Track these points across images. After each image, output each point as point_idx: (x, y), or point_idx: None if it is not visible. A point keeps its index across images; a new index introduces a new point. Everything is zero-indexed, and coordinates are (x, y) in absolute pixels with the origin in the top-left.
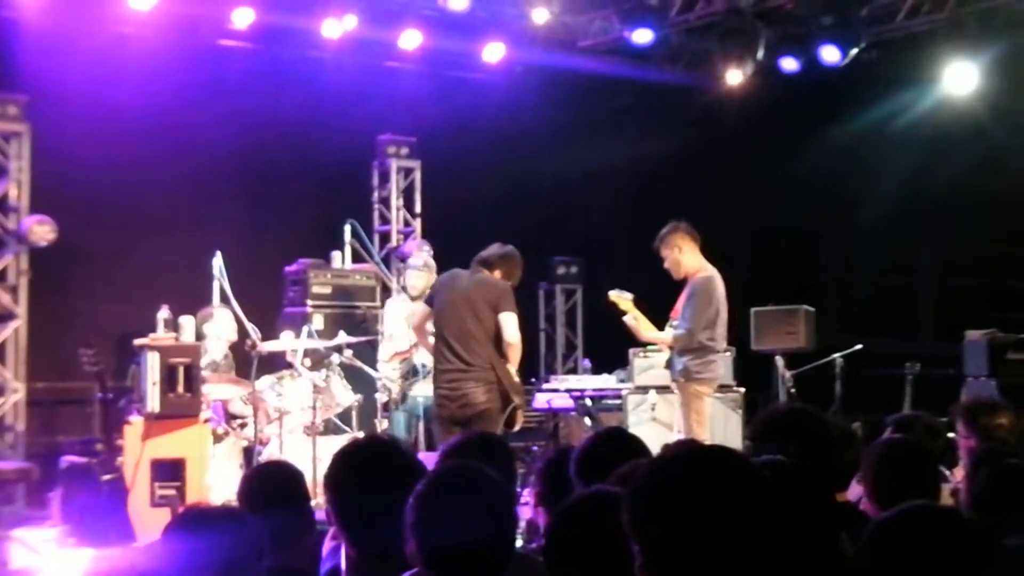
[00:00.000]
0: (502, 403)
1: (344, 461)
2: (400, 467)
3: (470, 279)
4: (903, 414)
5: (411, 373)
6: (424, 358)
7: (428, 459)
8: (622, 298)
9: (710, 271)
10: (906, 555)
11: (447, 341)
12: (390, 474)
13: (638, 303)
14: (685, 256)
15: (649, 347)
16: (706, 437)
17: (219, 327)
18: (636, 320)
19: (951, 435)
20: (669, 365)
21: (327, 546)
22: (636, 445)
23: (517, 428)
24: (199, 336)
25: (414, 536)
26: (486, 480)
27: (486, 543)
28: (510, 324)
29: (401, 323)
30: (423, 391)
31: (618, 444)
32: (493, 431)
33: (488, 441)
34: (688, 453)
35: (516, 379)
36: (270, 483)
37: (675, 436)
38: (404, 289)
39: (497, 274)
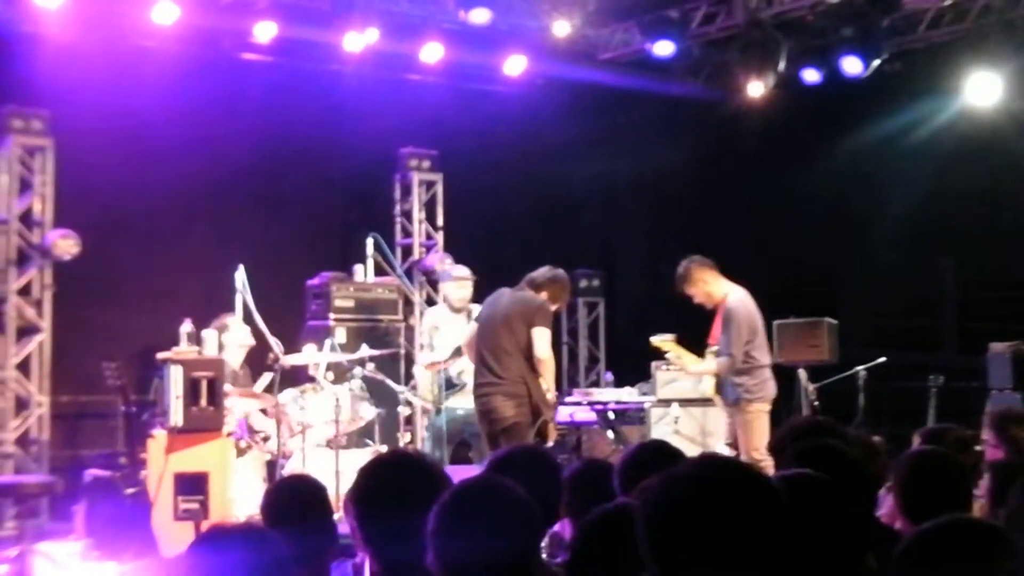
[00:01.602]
0: (532, 417)
1: (369, 477)
2: (426, 482)
3: (511, 296)
4: (933, 426)
5: (448, 384)
6: (460, 368)
7: (454, 473)
8: (664, 342)
9: (736, 292)
10: (944, 569)
11: (483, 356)
12: (416, 489)
13: (662, 316)
14: (711, 287)
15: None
16: None
17: (235, 336)
18: (680, 358)
19: (978, 448)
20: (720, 391)
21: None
22: (678, 457)
23: (551, 443)
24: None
25: (433, 547)
26: (508, 494)
27: (505, 557)
28: (541, 339)
29: (442, 334)
30: (462, 403)
31: (660, 456)
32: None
33: (533, 455)
34: (702, 468)
35: (548, 394)
36: (293, 497)
37: (703, 450)
38: (445, 299)
39: (544, 295)
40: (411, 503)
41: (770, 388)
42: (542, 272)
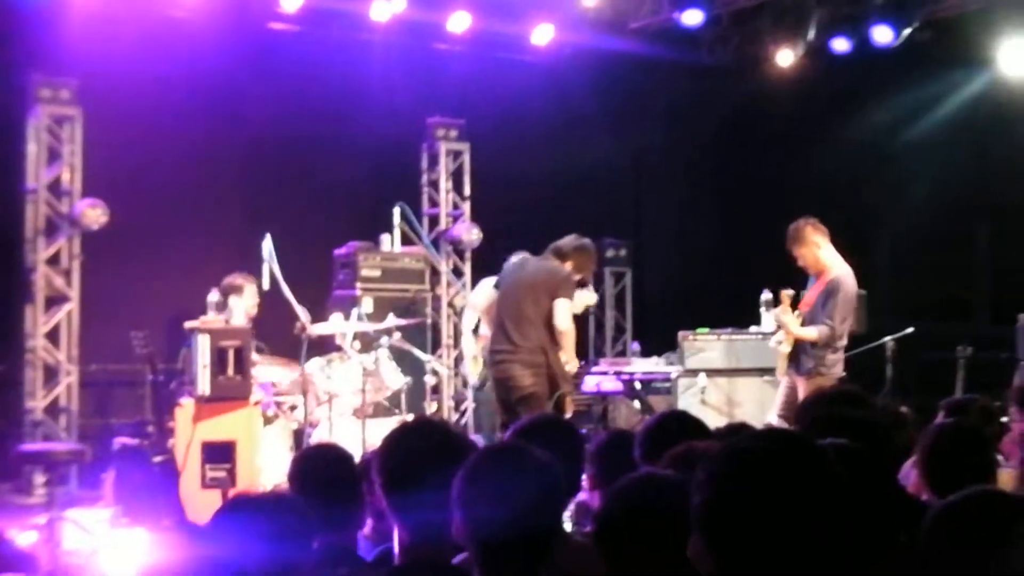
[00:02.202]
0: (549, 388)
1: (394, 445)
2: (451, 449)
3: (536, 264)
4: (957, 397)
5: None
6: None
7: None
8: (786, 312)
9: (844, 266)
10: (971, 541)
11: (503, 323)
12: (441, 456)
13: (689, 286)
14: (822, 251)
15: (700, 330)
16: None
17: (246, 301)
18: (785, 314)
19: (1005, 419)
20: (794, 360)
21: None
22: (700, 428)
23: (568, 415)
24: (223, 304)
25: (459, 511)
26: (533, 459)
27: (530, 520)
28: (562, 310)
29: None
30: None
31: (682, 426)
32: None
33: (556, 424)
34: (769, 440)
35: (568, 366)
36: (320, 465)
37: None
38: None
39: (569, 264)
40: (437, 470)
41: (840, 368)
42: (568, 241)
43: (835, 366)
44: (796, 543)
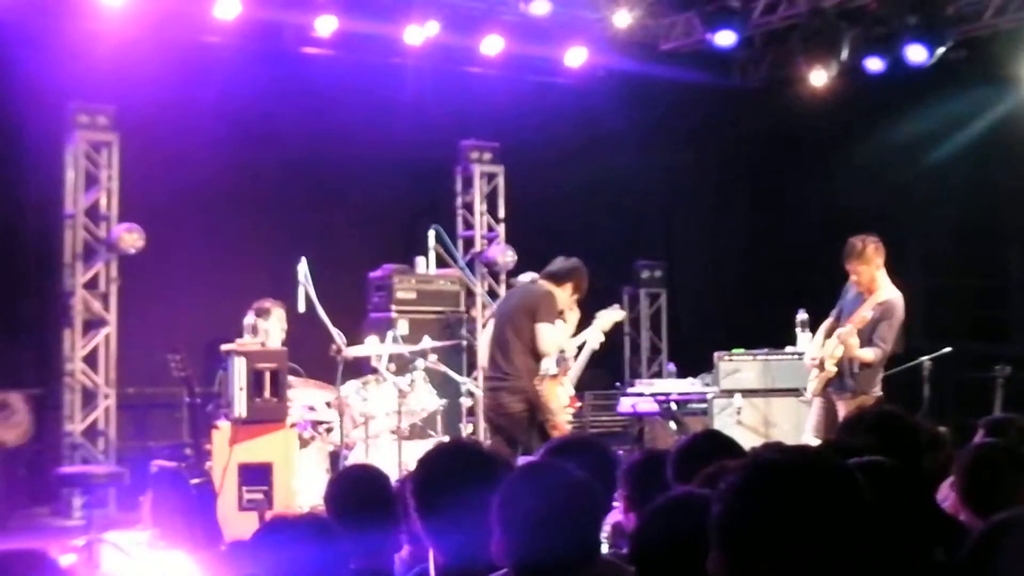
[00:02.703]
0: (532, 414)
1: (428, 467)
2: (485, 470)
3: (520, 290)
4: (995, 416)
5: None
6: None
7: None
8: (852, 334)
9: (898, 291)
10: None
11: (493, 351)
12: (475, 478)
13: (724, 307)
14: (879, 272)
15: (735, 351)
16: None
17: (272, 326)
18: (852, 336)
19: None
20: (839, 378)
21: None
22: (733, 447)
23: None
24: (251, 326)
25: (498, 530)
26: (571, 477)
27: (569, 541)
28: (542, 334)
29: None
30: None
31: (715, 445)
32: (525, 440)
33: (587, 443)
34: (789, 455)
35: (550, 396)
36: (356, 487)
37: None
38: None
39: (568, 287)
40: (471, 491)
41: (879, 388)
42: (560, 264)
43: (876, 386)
44: (815, 559)
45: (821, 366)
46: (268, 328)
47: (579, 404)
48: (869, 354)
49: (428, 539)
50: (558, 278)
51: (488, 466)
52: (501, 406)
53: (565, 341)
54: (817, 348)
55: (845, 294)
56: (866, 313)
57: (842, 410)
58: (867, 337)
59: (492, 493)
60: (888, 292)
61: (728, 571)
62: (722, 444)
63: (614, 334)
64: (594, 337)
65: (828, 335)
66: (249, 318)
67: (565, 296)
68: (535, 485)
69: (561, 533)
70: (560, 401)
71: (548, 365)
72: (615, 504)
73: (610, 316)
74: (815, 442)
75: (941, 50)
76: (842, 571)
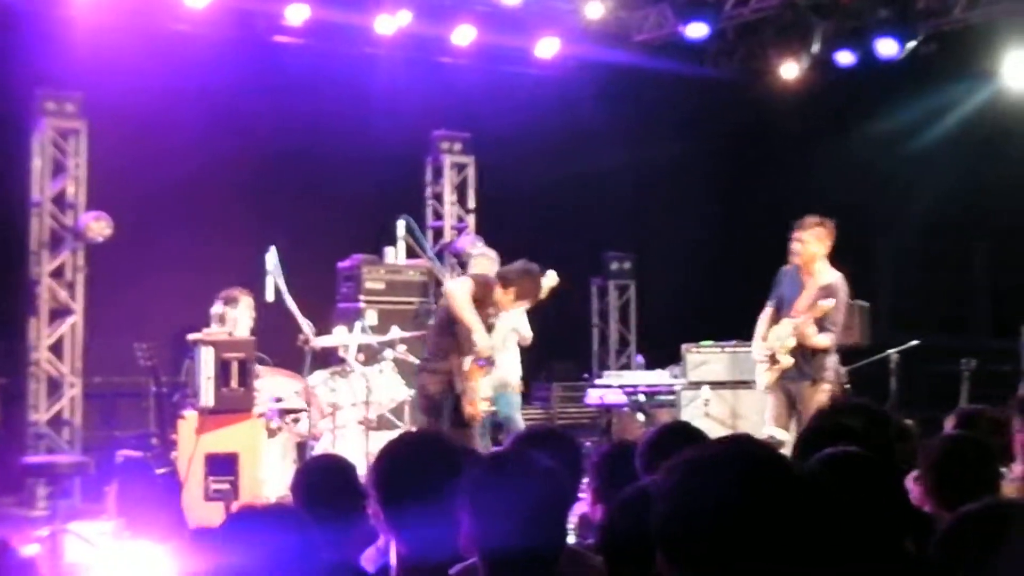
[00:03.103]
0: (448, 391)
1: (389, 459)
2: (446, 461)
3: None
4: (966, 408)
5: None
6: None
7: None
8: (808, 323)
9: (839, 273)
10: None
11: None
12: (437, 469)
13: (693, 299)
14: (822, 253)
15: (703, 343)
16: None
17: (240, 312)
18: (806, 328)
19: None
20: (795, 368)
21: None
22: (701, 438)
23: (474, 422)
24: (219, 316)
25: (468, 519)
26: (540, 467)
27: (539, 530)
28: (453, 291)
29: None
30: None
31: (684, 437)
32: (441, 423)
33: (553, 434)
34: (712, 453)
35: (479, 343)
36: (323, 477)
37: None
38: None
39: (512, 291)
40: (433, 483)
41: (835, 373)
42: (514, 267)
43: (832, 370)
44: (755, 552)
45: (773, 359)
46: (236, 317)
47: (494, 409)
48: (825, 340)
49: (390, 530)
50: (505, 280)
51: (450, 456)
52: (421, 387)
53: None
54: (762, 341)
55: (779, 283)
56: (824, 302)
57: (806, 397)
58: (817, 323)
59: (454, 483)
60: (830, 275)
61: (672, 572)
62: (691, 435)
63: (582, 325)
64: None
65: (771, 325)
66: (217, 307)
67: (505, 298)
68: (505, 475)
69: (531, 523)
70: (481, 390)
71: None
72: (581, 496)
73: (545, 282)
74: (778, 433)
75: (912, 44)
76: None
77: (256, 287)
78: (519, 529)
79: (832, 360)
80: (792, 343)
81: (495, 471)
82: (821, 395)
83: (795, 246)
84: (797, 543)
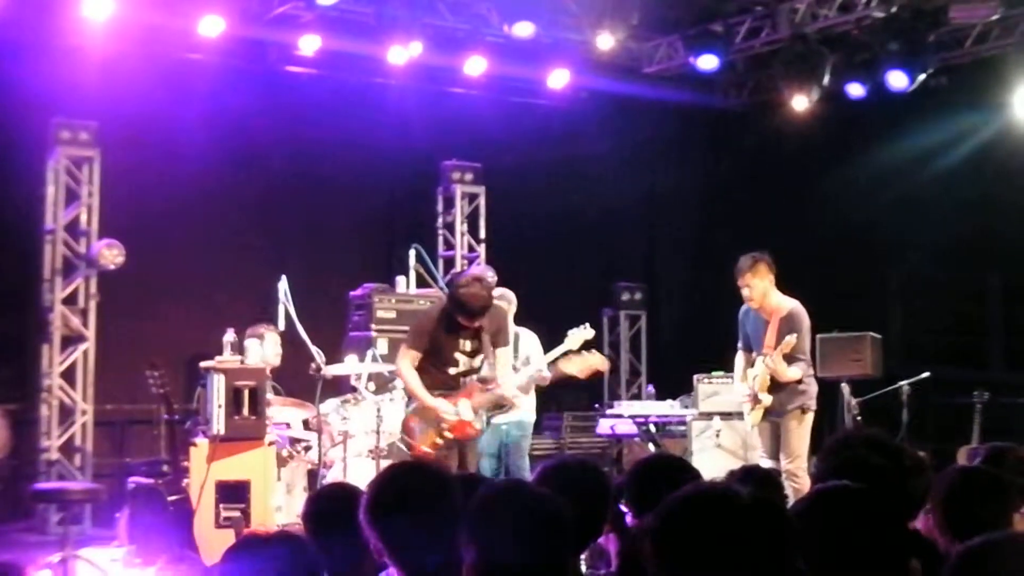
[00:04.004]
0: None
1: (380, 489)
2: (436, 488)
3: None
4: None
5: None
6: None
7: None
8: (778, 361)
9: (794, 300)
10: None
11: None
12: (427, 496)
13: (704, 329)
14: (771, 288)
15: (714, 373)
16: None
17: (267, 348)
18: (781, 364)
19: None
20: (777, 403)
21: None
22: (684, 470)
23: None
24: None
25: (469, 549)
26: (539, 497)
27: (538, 560)
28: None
29: None
30: (505, 418)
31: (667, 470)
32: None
33: (581, 467)
34: (695, 497)
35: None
36: (334, 505)
37: (740, 463)
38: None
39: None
40: (425, 510)
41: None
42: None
43: (813, 399)
44: None
45: (755, 399)
46: (261, 351)
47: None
48: (797, 372)
49: (391, 560)
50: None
51: (441, 484)
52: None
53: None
54: (742, 380)
55: (743, 324)
56: (790, 338)
57: (793, 427)
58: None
59: (445, 510)
60: (787, 303)
61: None
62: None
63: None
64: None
65: (747, 365)
66: (229, 335)
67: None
68: (509, 505)
69: (531, 553)
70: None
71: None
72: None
73: (580, 335)
74: (770, 464)
75: (922, 77)
76: None
77: (268, 315)
78: (519, 560)
79: (811, 387)
80: (768, 381)
81: (495, 503)
82: (804, 424)
83: (744, 292)
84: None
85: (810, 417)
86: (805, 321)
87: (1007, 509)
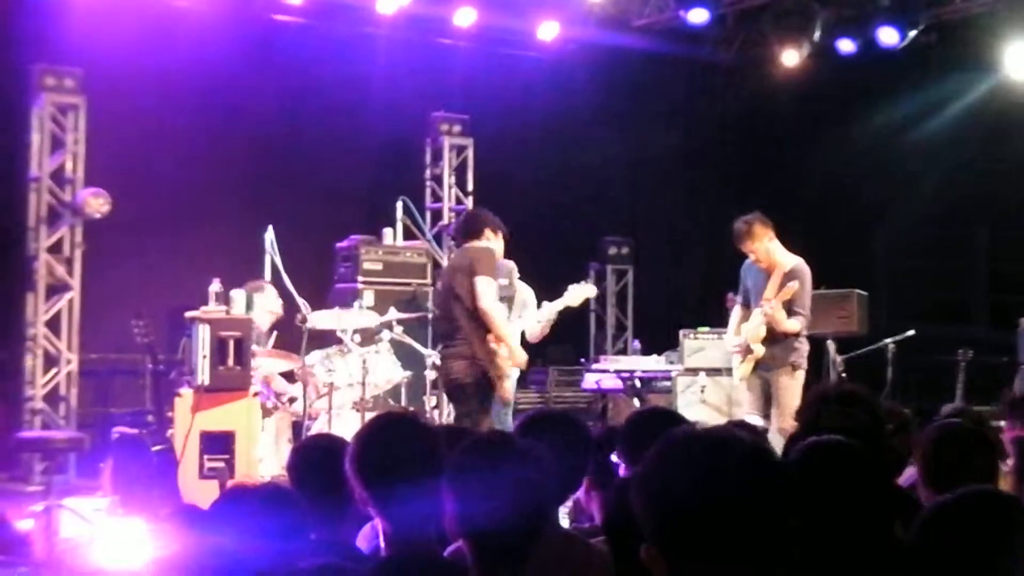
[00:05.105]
0: (481, 378)
1: (365, 442)
2: (421, 441)
3: (457, 252)
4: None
5: None
6: None
7: None
8: (778, 309)
9: (798, 257)
10: (966, 539)
11: (436, 317)
12: (412, 449)
13: (690, 285)
14: (773, 244)
15: (700, 329)
16: None
17: (267, 300)
18: (780, 313)
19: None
20: (769, 356)
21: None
22: (679, 422)
23: (503, 402)
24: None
25: (450, 502)
26: (522, 450)
27: (520, 511)
28: (483, 289)
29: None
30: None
31: (661, 421)
32: (469, 406)
33: (563, 420)
34: (693, 438)
35: (496, 350)
36: (319, 456)
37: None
38: None
39: (487, 234)
40: (409, 463)
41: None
42: (466, 219)
43: (805, 356)
44: (726, 540)
45: (747, 350)
46: (268, 303)
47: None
48: (795, 324)
49: (376, 511)
50: (471, 233)
51: (424, 436)
52: (449, 371)
53: (533, 314)
54: (735, 334)
55: (745, 277)
56: (792, 284)
57: (783, 383)
58: (785, 308)
59: (429, 462)
60: (790, 260)
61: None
62: (668, 419)
63: (580, 310)
64: (556, 308)
65: (743, 319)
66: (215, 285)
67: (500, 245)
68: (486, 458)
69: (511, 505)
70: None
71: (520, 326)
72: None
73: (581, 291)
74: (757, 420)
75: (913, 33)
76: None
77: (254, 265)
78: (499, 511)
79: (804, 346)
80: (764, 332)
81: (475, 455)
82: (795, 380)
83: (751, 256)
84: (782, 531)
85: (801, 375)
86: (807, 276)
87: (989, 463)
